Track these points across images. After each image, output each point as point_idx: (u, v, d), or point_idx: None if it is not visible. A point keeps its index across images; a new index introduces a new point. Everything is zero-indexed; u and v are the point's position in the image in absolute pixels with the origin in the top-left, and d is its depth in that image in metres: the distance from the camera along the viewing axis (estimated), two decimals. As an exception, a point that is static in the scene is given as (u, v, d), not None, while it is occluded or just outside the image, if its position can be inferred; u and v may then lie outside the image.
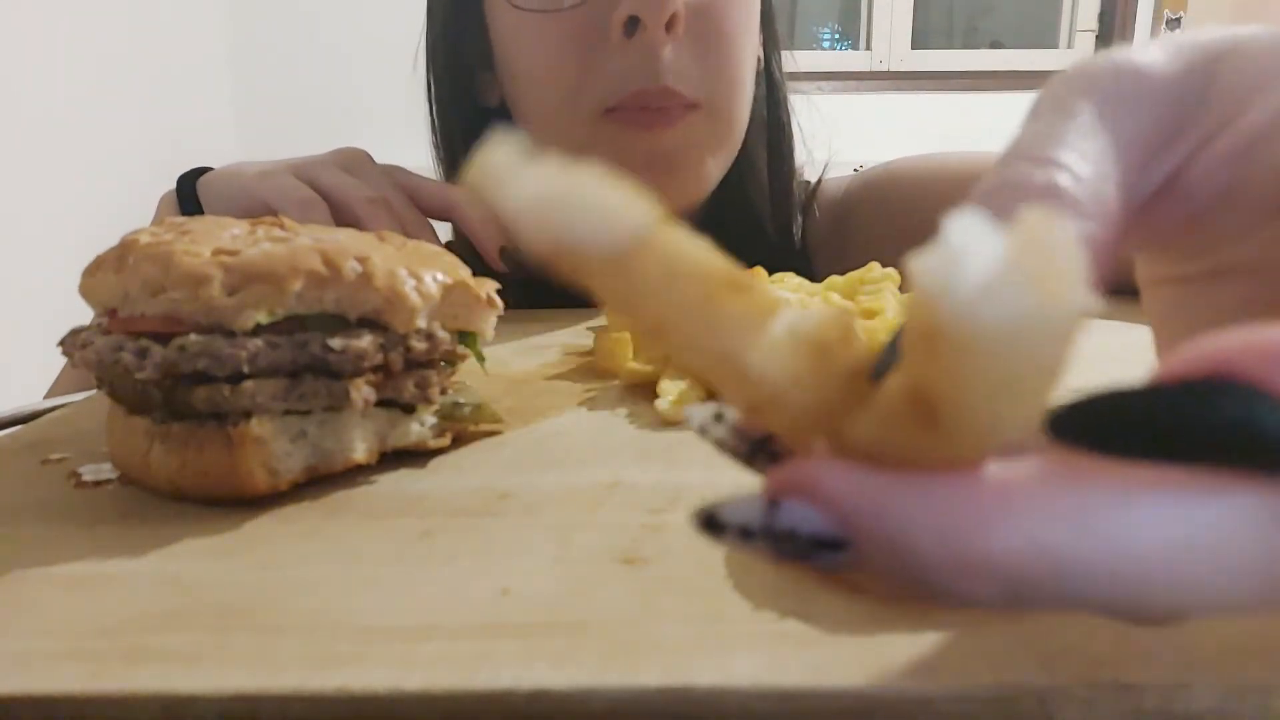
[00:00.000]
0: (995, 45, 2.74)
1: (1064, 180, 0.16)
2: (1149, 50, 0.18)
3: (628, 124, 0.56)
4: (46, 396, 0.50)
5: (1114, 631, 0.18)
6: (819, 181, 0.74)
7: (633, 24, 0.53)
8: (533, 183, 0.13)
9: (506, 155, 0.13)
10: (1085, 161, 0.16)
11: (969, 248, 0.11)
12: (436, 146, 0.68)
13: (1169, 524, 0.11)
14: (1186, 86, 0.17)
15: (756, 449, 0.16)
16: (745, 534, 0.13)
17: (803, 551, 0.13)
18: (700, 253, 0.13)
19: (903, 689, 0.17)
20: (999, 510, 0.12)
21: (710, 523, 0.13)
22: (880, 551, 0.12)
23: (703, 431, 0.16)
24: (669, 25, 0.53)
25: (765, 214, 0.69)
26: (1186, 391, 0.11)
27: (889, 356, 0.13)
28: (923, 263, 0.11)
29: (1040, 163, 0.16)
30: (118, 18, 1.80)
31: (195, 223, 0.30)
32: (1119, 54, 0.18)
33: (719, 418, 0.16)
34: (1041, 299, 0.10)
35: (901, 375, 0.12)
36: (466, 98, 0.66)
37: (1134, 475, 0.12)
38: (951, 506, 0.12)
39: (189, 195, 0.56)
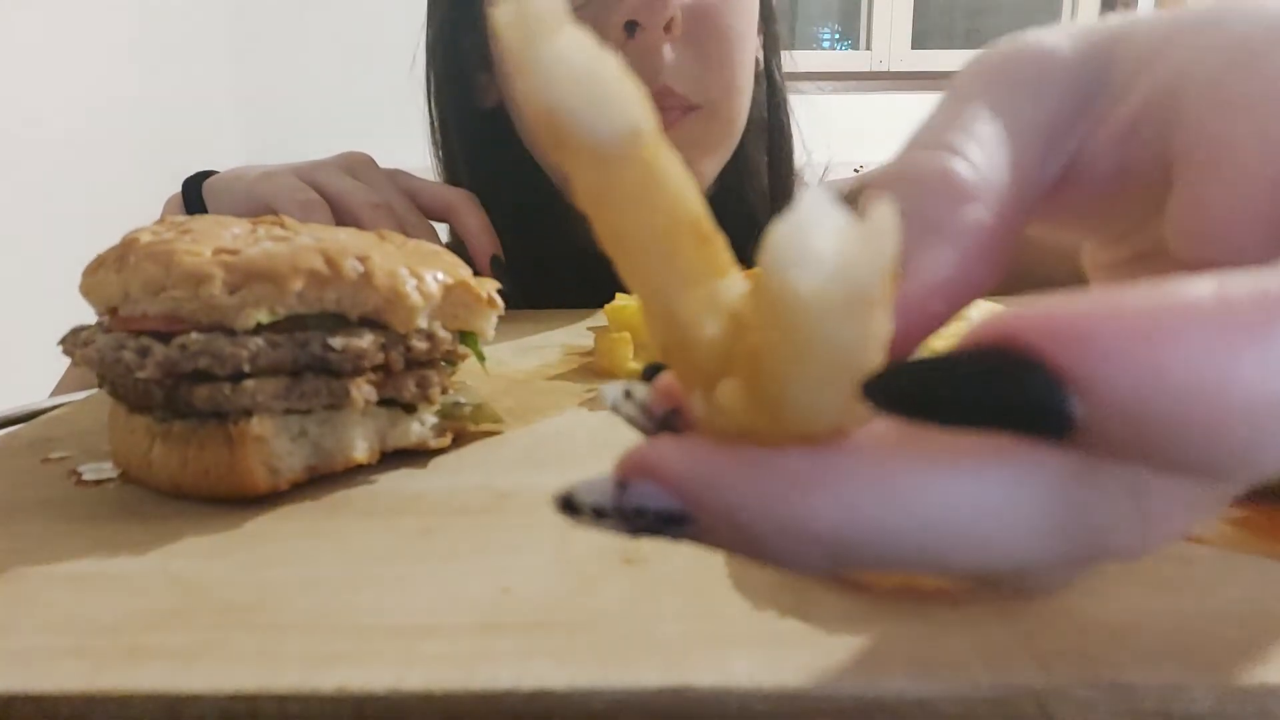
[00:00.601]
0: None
1: (958, 166, 0.16)
2: (1054, 35, 0.18)
3: None
4: (51, 395, 0.50)
5: (1113, 632, 0.18)
6: (820, 184, 0.74)
7: (631, 26, 0.53)
8: (561, 45, 0.12)
9: (547, 7, 0.13)
10: (979, 147, 0.16)
11: (809, 222, 0.11)
12: (435, 146, 0.68)
13: (963, 491, 0.12)
14: (1086, 70, 0.18)
15: (662, 425, 0.16)
16: (598, 513, 0.14)
17: (652, 526, 0.13)
18: (681, 186, 0.13)
19: (902, 689, 0.17)
20: (815, 483, 0.12)
21: (567, 504, 0.14)
22: (720, 525, 0.13)
23: (615, 408, 0.17)
24: (667, 27, 0.53)
25: (764, 215, 0.69)
26: (970, 362, 0.12)
27: None
28: (774, 229, 0.11)
29: (935, 150, 0.16)
30: (119, 18, 1.80)
31: (196, 221, 0.30)
32: (1025, 39, 0.18)
33: (629, 395, 0.17)
34: (847, 277, 0.11)
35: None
36: (465, 99, 0.66)
37: (942, 444, 0.12)
38: (772, 481, 0.12)
39: (194, 198, 0.56)
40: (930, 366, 0.12)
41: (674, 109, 0.56)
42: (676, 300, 0.14)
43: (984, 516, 0.12)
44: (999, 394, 0.11)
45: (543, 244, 0.68)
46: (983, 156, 0.16)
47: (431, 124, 0.68)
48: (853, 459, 0.12)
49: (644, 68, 0.54)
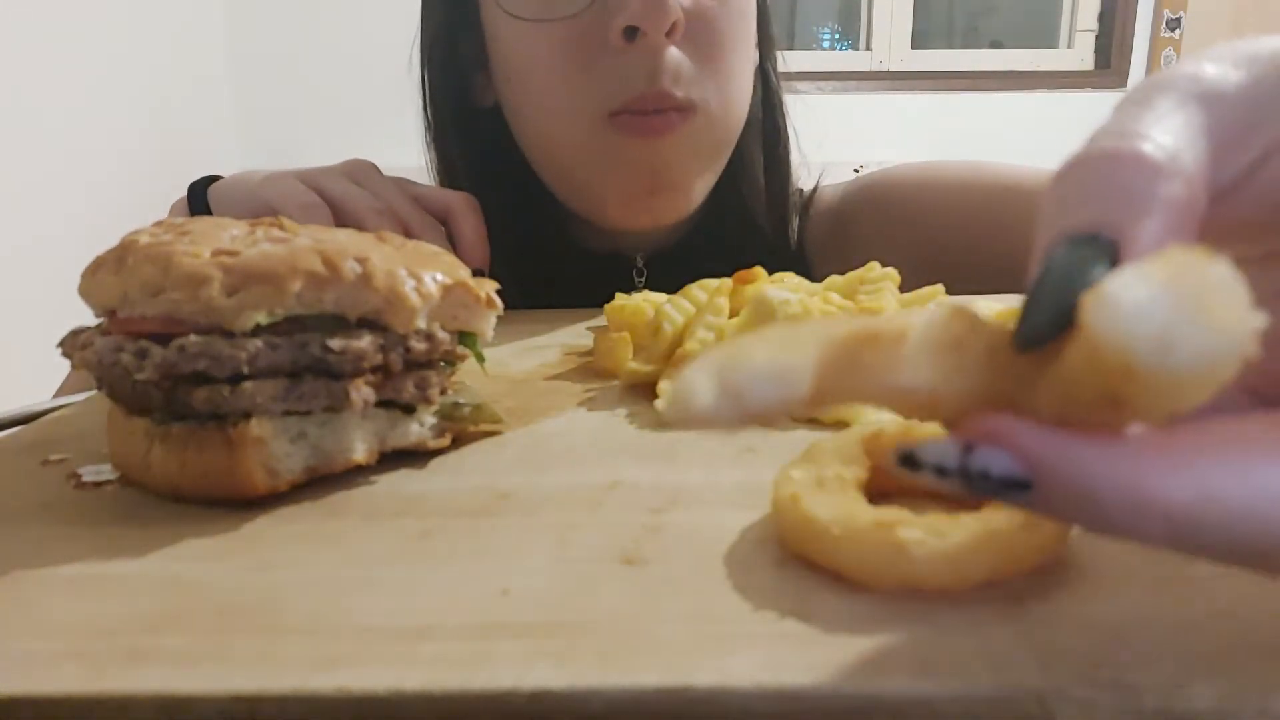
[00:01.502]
0: (995, 45, 2.74)
1: (1148, 147, 0.17)
2: (1215, 62, 0.19)
3: (628, 131, 0.56)
4: (54, 397, 0.50)
5: (1114, 631, 0.18)
6: (815, 187, 0.74)
7: (631, 32, 0.53)
8: (710, 389, 0.16)
9: (684, 385, 0.16)
10: (1167, 134, 0.17)
11: (1139, 305, 0.13)
12: (429, 146, 0.68)
13: None
14: (1257, 94, 0.18)
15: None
16: (940, 471, 0.16)
17: (992, 489, 0.15)
18: (826, 329, 0.17)
19: (902, 689, 0.17)
20: (1174, 462, 0.14)
21: (908, 459, 0.16)
22: (1063, 494, 0.15)
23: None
24: (669, 31, 0.53)
25: (761, 215, 0.69)
26: None
27: (1029, 331, 0.16)
28: (1098, 315, 0.13)
29: (1124, 136, 0.17)
30: (118, 20, 1.80)
31: (195, 223, 0.30)
32: (1187, 64, 0.19)
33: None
34: (1215, 335, 0.13)
35: (1084, 378, 0.15)
36: (463, 99, 0.66)
37: None
38: (1131, 459, 0.14)
39: (200, 203, 0.56)
40: None
41: (671, 112, 0.56)
42: (897, 383, 0.17)
43: None
44: None
45: (542, 243, 0.68)
46: (1169, 140, 0.17)
47: (428, 125, 0.68)
48: (1214, 445, 0.14)
49: (644, 70, 0.54)
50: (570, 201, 0.64)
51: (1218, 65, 0.19)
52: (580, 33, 0.55)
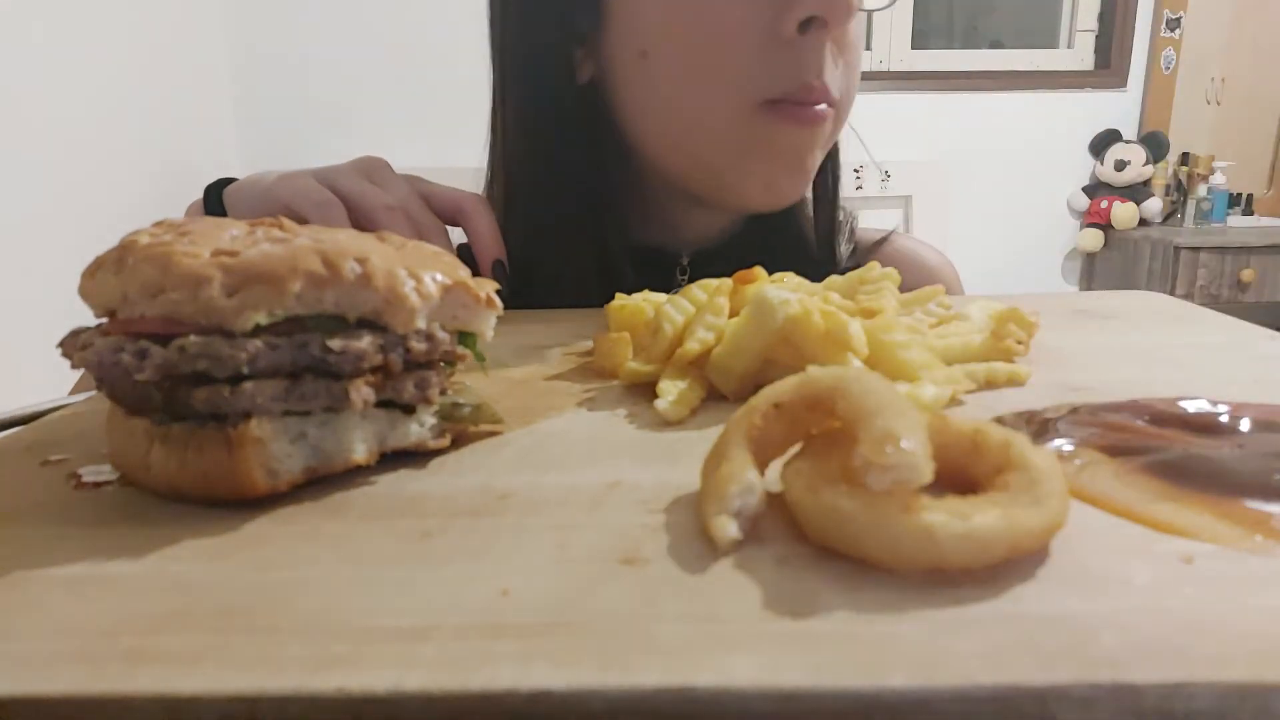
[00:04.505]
0: (995, 45, 2.74)
1: None
2: None
3: (785, 119, 0.57)
4: (68, 396, 0.50)
5: (1114, 631, 0.18)
6: (855, 217, 0.76)
7: (806, 24, 0.54)
8: (731, 525, 0.23)
9: (717, 533, 0.23)
10: None
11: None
12: (494, 130, 0.66)
13: None
14: None
15: None
16: None
17: None
18: (736, 441, 0.25)
19: (902, 689, 0.17)
20: None
21: None
22: None
23: None
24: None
25: (809, 224, 0.71)
26: None
27: None
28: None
29: None
30: (119, 22, 1.80)
31: (194, 223, 0.30)
32: None
33: None
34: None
35: None
36: (564, 74, 0.62)
37: None
38: None
39: (215, 205, 0.56)
40: None
41: (822, 107, 0.58)
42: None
43: None
44: None
45: (600, 233, 0.65)
46: None
47: (497, 108, 0.65)
48: None
49: (812, 64, 0.55)
50: (691, 179, 0.62)
51: None
52: (753, 15, 0.55)
